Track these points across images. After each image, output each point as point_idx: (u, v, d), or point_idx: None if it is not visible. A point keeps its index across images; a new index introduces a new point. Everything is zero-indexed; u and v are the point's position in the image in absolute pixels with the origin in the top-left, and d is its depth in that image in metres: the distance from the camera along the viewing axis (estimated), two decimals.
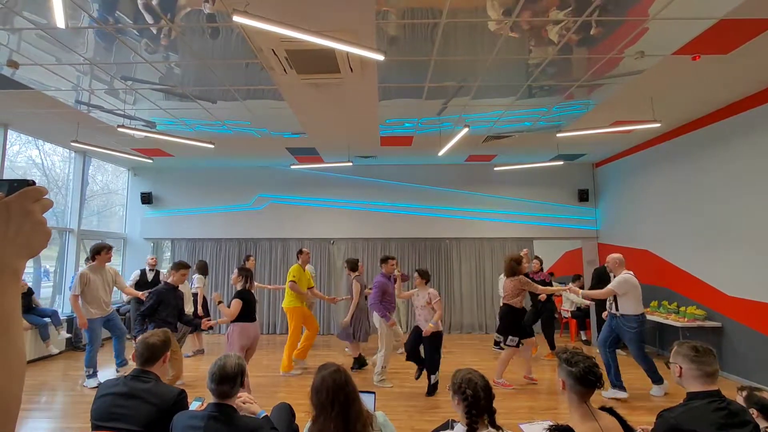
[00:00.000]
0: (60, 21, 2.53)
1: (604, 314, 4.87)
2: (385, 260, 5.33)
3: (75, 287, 4.74)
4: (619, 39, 3.58)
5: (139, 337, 2.13)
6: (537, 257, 6.83)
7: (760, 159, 4.82)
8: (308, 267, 6.50)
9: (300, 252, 5.93)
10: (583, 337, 7.51)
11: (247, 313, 4.14)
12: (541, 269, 6.68)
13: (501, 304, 5.17)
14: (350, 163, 7.53)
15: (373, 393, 2.34)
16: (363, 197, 8.55)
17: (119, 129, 5.13)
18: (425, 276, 4.77)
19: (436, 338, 4.54)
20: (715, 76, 4.38)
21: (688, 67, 4.13)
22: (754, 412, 2.14)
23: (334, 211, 8.52)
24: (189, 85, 4.54)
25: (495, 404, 1.75)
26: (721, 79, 4.47)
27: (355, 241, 8.49)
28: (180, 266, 4.36)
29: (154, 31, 3.43)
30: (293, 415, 2.43)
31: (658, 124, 5.24)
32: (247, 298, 4.16)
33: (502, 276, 6.13)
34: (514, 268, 4.91)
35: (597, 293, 4.89)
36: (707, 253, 5.60)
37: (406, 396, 4.55)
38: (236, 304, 4.08)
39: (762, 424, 2.11)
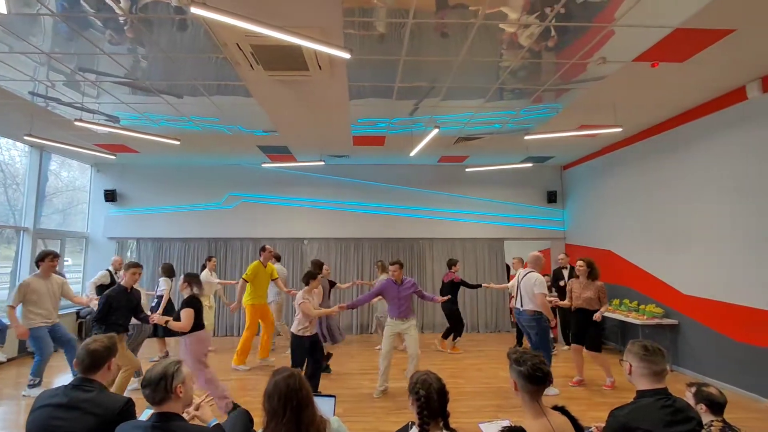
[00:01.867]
0: (1, 6, 2.37)
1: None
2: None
3: (13, 298, 4.41)
4: (585, 43, 3.67)
5: (82, 343, 2.01)
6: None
7: (714, 163, 5.05)
8: (278, 266, 6.42)
9: (262, 249, 5.87)
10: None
11: (198, 321, 3.92)
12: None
13: (573, 309, 5.05)
14: (322, 163, 7.46)
15: (333, 396, 2.31)
16: (336, 197, 8.48)
17: (76, 123, 4.89)
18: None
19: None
20: (673, 83, 4.55)
21: (648, 74, 4.28)
22: (702, 407, 2.22)
23: (307, 211, 8.43)
24: (154, 78, 4.37)
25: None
26: (679, 86, 4.66)
27: (328, 241, 8.42)
28: (130, 266, 4.21)
29: (121, 21, 3.28)
30: (251, 422, 2.36)
31: (620, 129, 5.42)
32: (197, 306, 3.92)
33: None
34: (597, 271, 4.92)
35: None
36: (665, 254, 5.83)
37: (374, 397, 4.53)
38: (188, 314, 3.79)
39: (708, 418, 2.20)
